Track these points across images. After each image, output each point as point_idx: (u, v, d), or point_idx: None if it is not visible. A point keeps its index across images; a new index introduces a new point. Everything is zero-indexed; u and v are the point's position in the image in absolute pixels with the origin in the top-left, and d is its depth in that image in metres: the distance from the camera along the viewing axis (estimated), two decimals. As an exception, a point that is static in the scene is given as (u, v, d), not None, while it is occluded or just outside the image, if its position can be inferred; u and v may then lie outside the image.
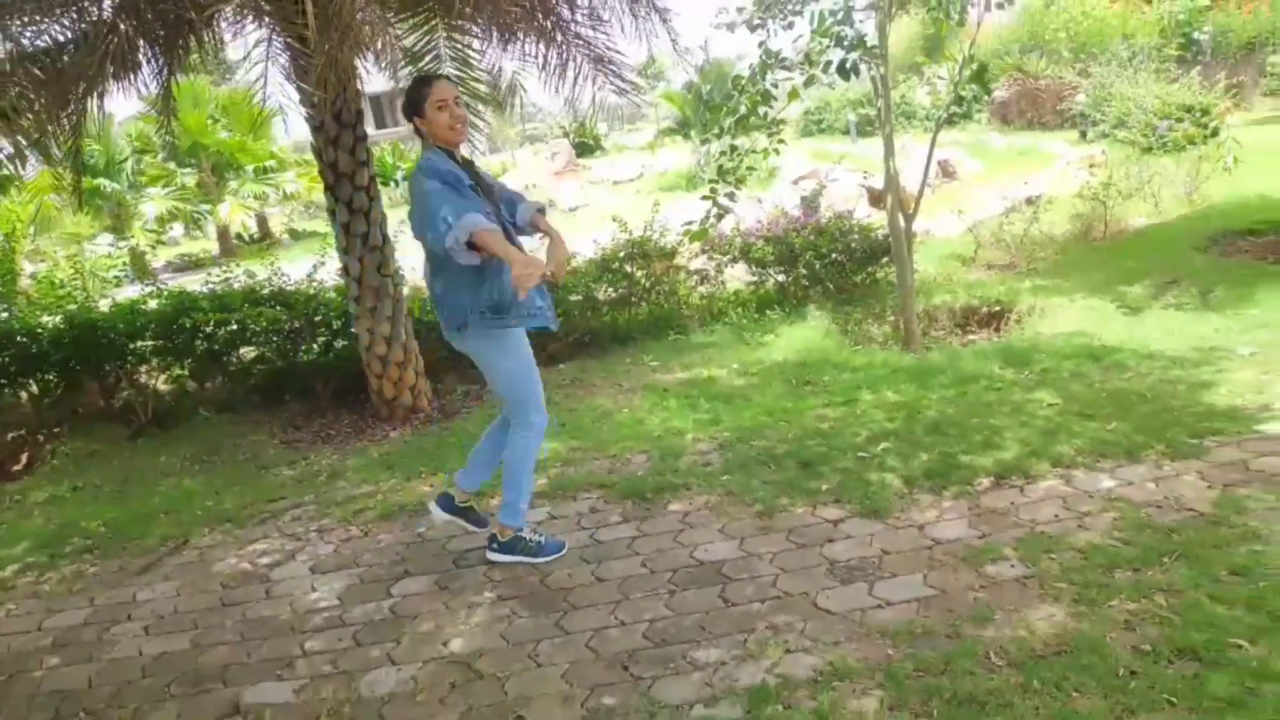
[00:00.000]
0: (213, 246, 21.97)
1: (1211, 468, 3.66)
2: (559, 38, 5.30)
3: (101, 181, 18.37)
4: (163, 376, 7.01)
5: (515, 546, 3.65)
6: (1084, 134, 17.22)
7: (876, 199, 12.17)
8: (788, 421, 4.87)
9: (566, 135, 26.21)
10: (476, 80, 6.55)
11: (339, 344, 6.78)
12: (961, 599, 2.98)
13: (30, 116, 4.86)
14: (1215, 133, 13.30)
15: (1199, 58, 20.05)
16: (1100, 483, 3.68)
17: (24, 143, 5.19)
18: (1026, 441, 4.14)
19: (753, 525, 3.73)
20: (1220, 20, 20.91)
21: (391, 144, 28.16)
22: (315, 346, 6.80)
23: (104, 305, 7.25)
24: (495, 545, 3.69)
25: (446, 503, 3.83)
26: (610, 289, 7.48)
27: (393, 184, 25.35)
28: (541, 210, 3.57)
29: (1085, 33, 21.84)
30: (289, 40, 4.58)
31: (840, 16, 6.02)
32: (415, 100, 3.29)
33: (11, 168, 5.38)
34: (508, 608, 3.34)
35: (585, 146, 26.96)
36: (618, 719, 2.61)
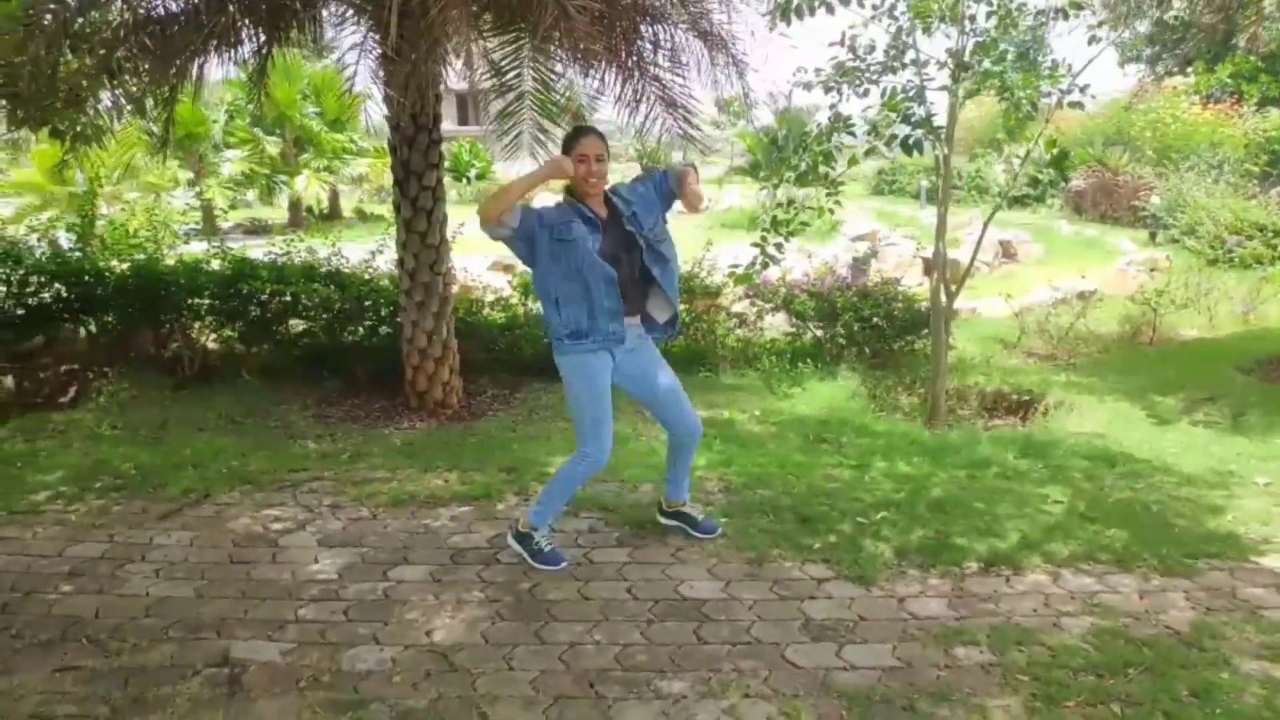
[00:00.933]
0: (283, 215, 22.64)
1: (1199, 589, 3.69)
2: (636, 75, 5.52)
3: (187, 136, 19.05)
4: (213, 335, 7.33)
5: (526, 540, 3.87)
6: (1153, 235, 17.09)
7: (931, 270, 12.21)
8: (796, 475, 4.97)
9: (641, 159, 26.57)
10: (555, 97, 6.80)
11: (383, 331, 7.05)
12: (924, 675, 3.06)
13: (134, 77, 5.19)
14: (1285, 254, 13.15)
15: (1284, 177, 19.79)
16: (1086, 586, 3.73)
17: (123, 99, 5.53)
18: (1024, 534, 4.20)
19: (741, 570, 3.85)
20: (1312, 143, 20.62)
21: (470, 141, 28.81)
22: (361, 329, 7.08)
23: (170, 259, 7.60)
24: (514, 531, 3.92)
25: (661, 509, 4.22)
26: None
27: (464, 180, 25.94)
28: (691, 168, 3.80)
29: (1171, 135, 21.69)
30: (379, 42, 4.85)
31: (912, 93, 6.16)
32: (565, 146, 3.67)
33: (107, 120, 5.72)
34: (493, 609, 3.49)
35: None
36: (574, 731, 2.74)
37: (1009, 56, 6.19)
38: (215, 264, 7.24)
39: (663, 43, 5.84)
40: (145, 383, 6.81)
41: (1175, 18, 6.41)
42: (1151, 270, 12.46)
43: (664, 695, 2.94)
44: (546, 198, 4.41)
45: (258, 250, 7.69)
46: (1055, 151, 6.27)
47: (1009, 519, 4.40)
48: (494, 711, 2.84)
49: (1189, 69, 22.50)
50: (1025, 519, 4.41)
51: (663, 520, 4.19)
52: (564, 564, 3.85)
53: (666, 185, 3.78)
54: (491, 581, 3.73)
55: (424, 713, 2.82)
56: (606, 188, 3.71)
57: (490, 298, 7.88)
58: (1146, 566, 3.88)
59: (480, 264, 12.12)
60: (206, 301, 7.04)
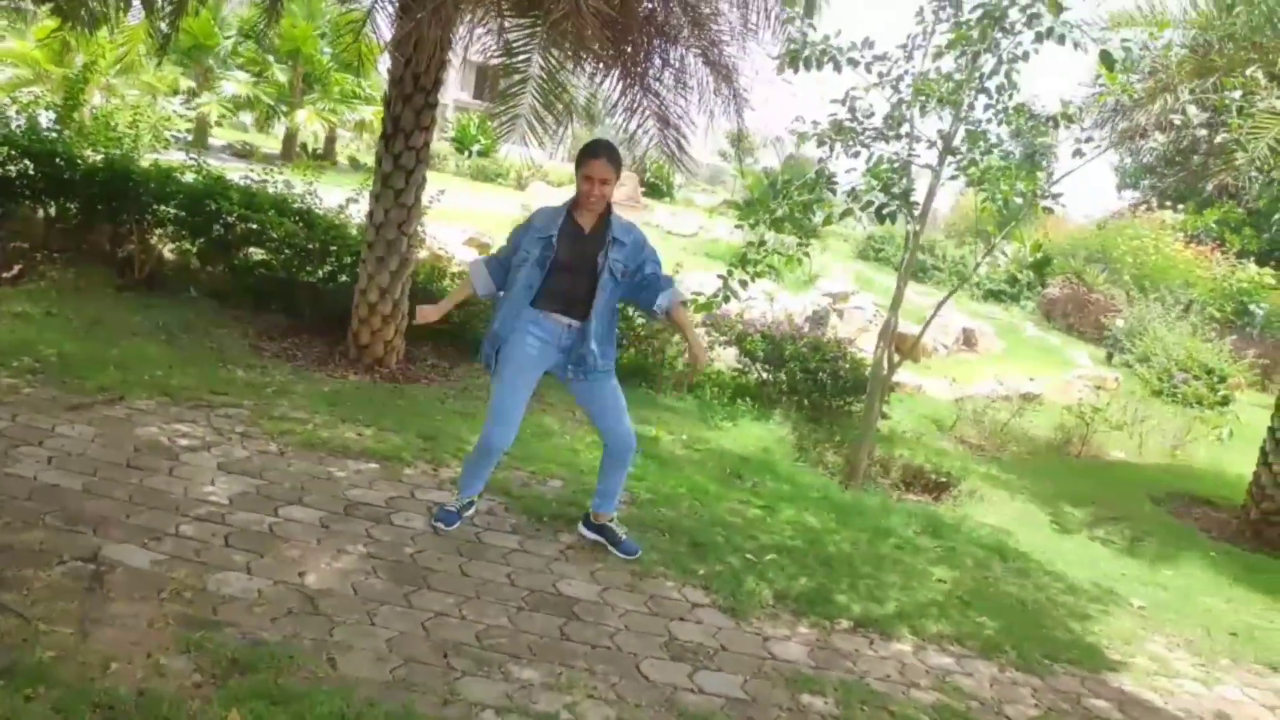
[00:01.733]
0: (276, 146, 22.44)
1: (1048, 690, 3.84)
2: (637, 87, 5.63)
3: (195, 46, 18.84)
4: (171, 245, 7.28)
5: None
6: (1110, 356, 17.55)
7: (895, 342, 12.44)
8: (703, 503, 5.07)
9: (644, 171, 26.72)
10: (558, 88, 6.88)
11: (340, 278, 7.06)
12: (766, 713, 3.16)
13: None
14: (1225, 401, 13.58)
15: (1246, 328, 20.42)
16: (944, 665, 3.86)
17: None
18: (901, 605, 4.32)
19: (622, 579, 3.93)
20: (1278, 301, 21.32)
21: (481, 116, 28.76)
22: (319, 272, 7.07)
23: (146, 161, 7.54)
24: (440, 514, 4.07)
25: (587, 521, 4.27)
26: (606, 325, 7.74)
27: (466, 153, 25.92)
28: (684, 303, 4.04)
29: (1150, 265, 22.30)
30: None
31: (896, 167, 6.34)
32: (578, 159, 3.79)
33: (114, 13, 5.70)
34: (371, 565, 3.54)
35: (655, 188, 27.47)
36: (415, 694, 2.79)
37: (994, 154, 6.40)
38: (190, 176, 7.20)
39: (671, 61, 5.96)
40: (91, 277, 6.74)
41: (1153, 150, 6.66)
42: (1098, 387, 12.81)
43: (512, 679, 3.00)
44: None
45: (237, 174, 7.66)
46: (1039, 256, 6.47)
47: (892, 588, 4.53)
48: (343, 659, 2.88)
49: (1180, 206, 23.21)
50: (907, 591, 4.54)
51: (585, 532, 4.22)
52: (450, 525, 3.98)
53: (655, 290, 3.90)
54: (378, 540, 3.77)
55: (274, 646, 2.85)
56: (615, 213, 3.87)
57: (455, 269, 7.91)
58: (1005, 659, 4.02)
59: (456, 236, 12.15)
60: (172, 211, 6.99)
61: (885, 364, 6.73)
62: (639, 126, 5.77)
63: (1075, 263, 23.16)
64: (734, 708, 3.14)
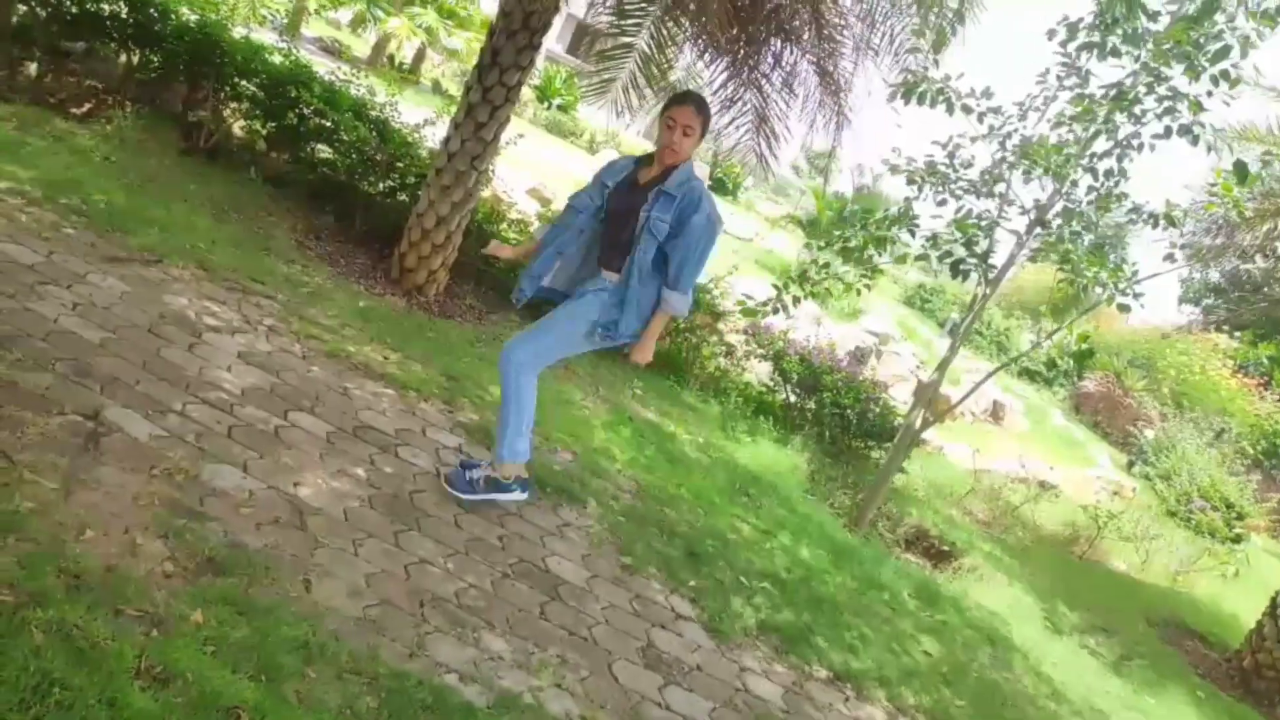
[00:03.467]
0: (365, 50, 22.33)
1: (1013, 793, 3.69)
2: (743, 78, 5.45)
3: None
4: (242, 122, 7.18)
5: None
6: (1131, 464, 17.22)
7: (918, 391, 12.22)
8: (705, 511, 4.93)
9: (714, 164, 26.45)
10: (659, 66, 6.71)
11: (400, 196, 6.93)
12: (728, 747, 3.03)
13: None
14: (1238, 539, 13.26)
15: (1274, 471, 20.01)
16: (914, 740, 3.72)
17: None
18: (882, 667, 4.18)
19: (611, 570, 3.80)
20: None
21: (569, 72, 28.56)
22: (381, 185, 6.95)
23: (238, 33, 7.43)
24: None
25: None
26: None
27: (546, 104, 25.74)
28: (671, 312, 3.57)
29: (1191, 384, 21.87)
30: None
31: (985, 225, 6.12)
32: (664, 105, 3.57)
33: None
34: (368, 493, 3.42)
35: (721, 185, 27.18)
36: (384, 639, 2.68)
37: (1082, 239, 6.17)
38: (277, 59, 7.08)
39: (783, 63, 5.77)
40: (157, 133, 6.65)
41: (1247, 274, 6.41)
42: (1115, 493, 12.54)
43: (483, 647, 2.89)
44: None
45: (322, 68, 7.54)
46: (1084, 346, 6.24)
47: (875, 647, 4.38)
48: (319, 584, 2.77)
49: (1236, 334, 22.73)
50: (890, 654, 4.40)
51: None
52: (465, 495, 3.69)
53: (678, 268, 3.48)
54: (379, 469, 3.66)
55: (253, 553, 2.75)
56: (684, 164, 3.50)
57: (514, 215, 7.77)
58: (977, 750, 3.88)
59: (521, 182, 12.01)
60: (252, 88, 6.88)
61: (918, 422, 6.54)
62: (734, 120, 5.59)
63: (1117, 362, 22.73)
64: (697, 733, 3.02)
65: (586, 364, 6.65)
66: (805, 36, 5.56)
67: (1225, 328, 19.11)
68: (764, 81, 5.57)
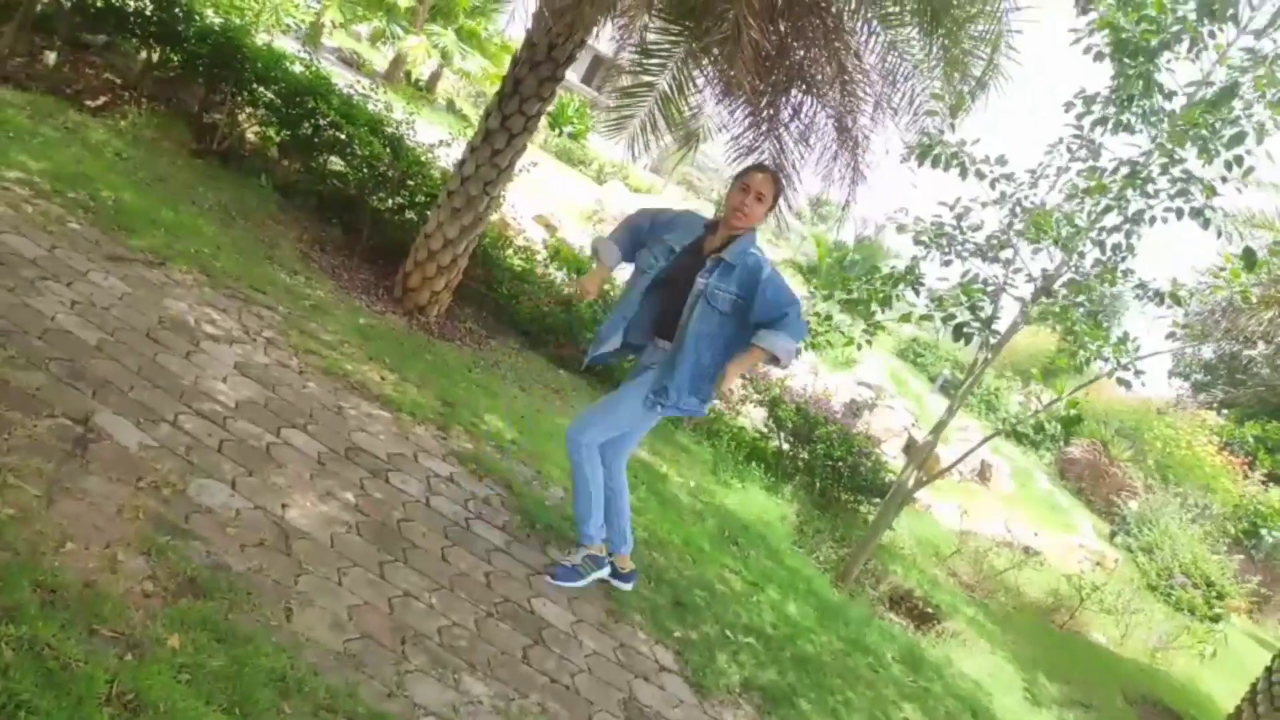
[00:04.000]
0: (383, 65, 22.46)
1: None
2: (763, 128, 5.46)
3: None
4: (256, 127, 7.15)
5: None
6: (1114, 535, 17.19)
7: (910, 448, 12.19)
8: (694, 560, 4.85)
9: (720, 204, 26.63)
10: (678, 108, 6.73)
11: (408, 214, 6.91)
12: (706, 811, 2.95)
13: None
14: (1217, 618, 13.21)
15: (1253, 551, 20.02)
16: (893, 814, 3.63)
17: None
18: (864, 732, 4.10)
19: (597, 616, 3.72)
20: (1293, 536, 20.89)
21: (582, 101, 28.81)
22: (390, 201, 6.93)
23: (261, 39, 7.44)
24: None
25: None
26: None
27: (558, 131, 25.89)
28: (773, 358, 3.42)
29: (1176, 459, 21.93)
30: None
31: (991, 291, 6.13)
32: (740, 172, 3.59)
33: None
34: (356, 520, 3.35)
35: (723, 223, 27.34)
36: (363, 676, 2.60)
37: (1081, 311, 6.17)
38: (298, 68, 7.08)
39: (803, 115, 5.79)
40: (170, 133, 6.62)
41: (1249, 361, 6.43)
42: (1097, 563, 12.48)
43: (463, 690, 2.80)
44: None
45: (341, 81, 7.54)
46: (1073, 413, 6.23)
47: (858, 712, 4.30)
48: (300, 613, 2.69)
49: (1224, 411, 22.84)
50: (870, 719, 4.32)
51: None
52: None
53: (773, 316, 3.38)
54: (369, 494, 3.58)
55: (236, 576, 2.67)
56: (747, 233, 3.48)
57: (521, 242, 7.75)
58: (955, 827, 3.79)
59: (528, 209, 12.01)
60: (270, 95, 6.87)
61: (911, 481, 6.50)
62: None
63: (1104, 430, 22.79)
64: (676, 795, 2.93)
65: (584, 397, 6.60)
66: (826, 90, 5.58)
67: (1214, 405, 19.20)
68: (783, 131, 5.58)
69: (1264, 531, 20.83)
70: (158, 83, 7.13)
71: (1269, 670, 7.20)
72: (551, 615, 3.51)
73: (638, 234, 3.70)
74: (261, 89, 6.83)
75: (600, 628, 3.65)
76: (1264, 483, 21.68)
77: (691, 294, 3.43)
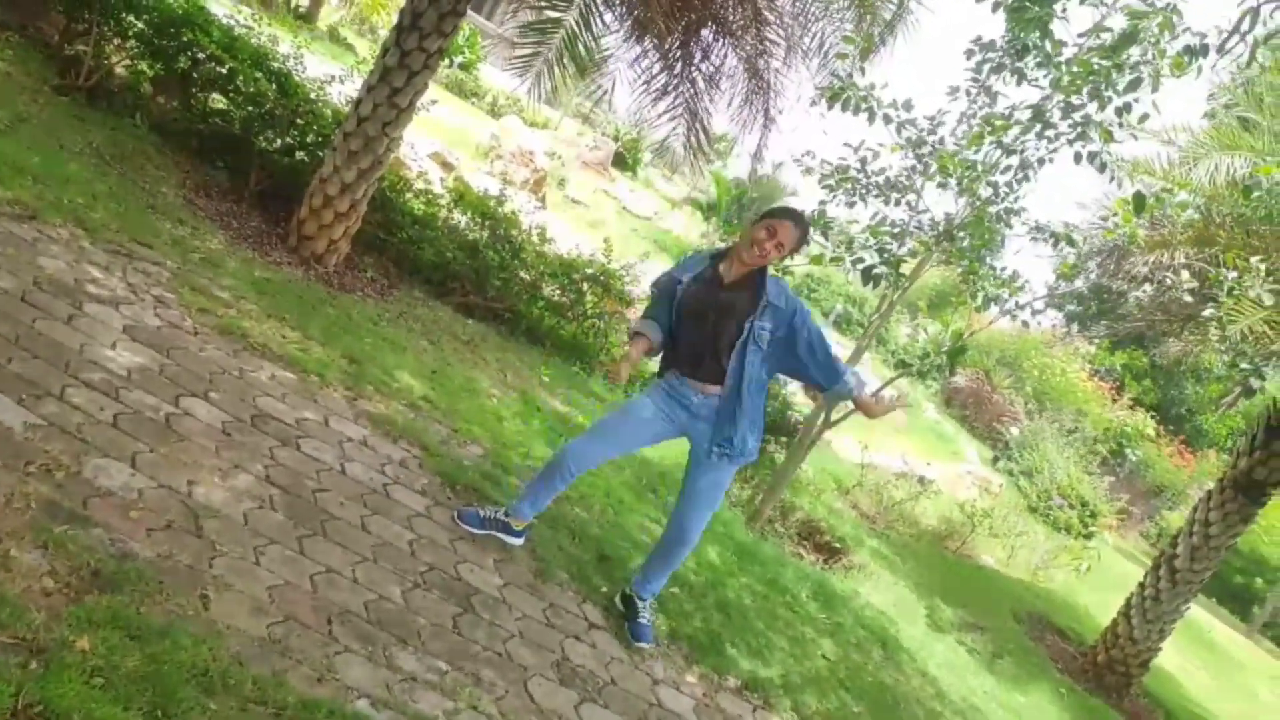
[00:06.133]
0: (256, -13, 21.00)
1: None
2: (677, 68, 5.33)
3: None
4: (126, 61, 6.57)
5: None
6: (996, 460, 18.15)
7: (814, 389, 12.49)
8: (616, 513, 4.85)
9: (616, 139, 26.23)
10: (585, 45, 6.51)
11: (299, 156, 6.52)
12: (644, 768, 2.97)
13: None
14: (1090, 535, 14.20)
15: (1118, 470, 21.52)
16: (817, 751, 3.76)
17: None
18: (786, 673, 4.21)
19: (524, 577, 3.67)
20: (1152, 452, 22.56)
21: (473, 30, 27.72)
22: (278, 142, 6.51)
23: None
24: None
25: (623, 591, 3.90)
26: (558, 290, 7.41)
27: (448, 62, 24.87)
28: (856, 395, 3.53)
29: (1051, 385, 23.24)
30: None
31: (897, 231, 6.23)
32: (765, 212, 3.45)
33: None
34: (268, 493, 3.18)
35: (621, 159, 27.00)
36: (290, 662, 2.48)
37: (967, 246, 6.34)
38: (170, -3, 6.51)
39: (714, 57, 5.68)
40: (28, 67, 6.00)
41: (1134, 301, 6.80)
42: (984, 489, 13.18)
43: (395, 666, 2.72)
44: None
45: (221, 9, 6.99)
46: (958, 344, 6.46)
47: (779, 652, 4.42)
48: (218, 599, 2.54)
49: (1094, 340, 24.27)
50: (794, 659, 4.45)
51: (618, 601, 3.84)
52: (466, 526, 3.70)
53: (834, 373, 3.47)
54: (281, 464, 3.40)
55: (144, 565, 2.49)
56: (771, 272, 3.49)
57: (420, 185, 7.44)
58: (874, 759, 3.96)
59: (423, 147, 11.54)
60: (140, 25, 6.29)
61: (820, 422, 6.63)
62: (666, 110, 5.47)
63: (987, 360, 23.90)
64: (615, 755, 2.95)
65: (494, 349, 6.45)
66: (739, 32, 5.48)
67: (1095, 339, 20.30)
68: (696, 75, 5.46)
69: (1128, 451, 22.42)
70: (8, 6, 6.44)
71: (1141, 585, 7.78)
72: (479, 580, 3.45)
73: (671, 295, 3.48)
74: (130, 18, 6.25)
75: (529, 589, 3.61)
76: (1131, 406, 23.25)
77: (743, 336, 3.37)
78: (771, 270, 3.56)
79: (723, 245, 3.59)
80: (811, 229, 6.42)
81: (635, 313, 7.84)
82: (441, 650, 2.92)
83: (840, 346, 19.64)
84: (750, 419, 3.46)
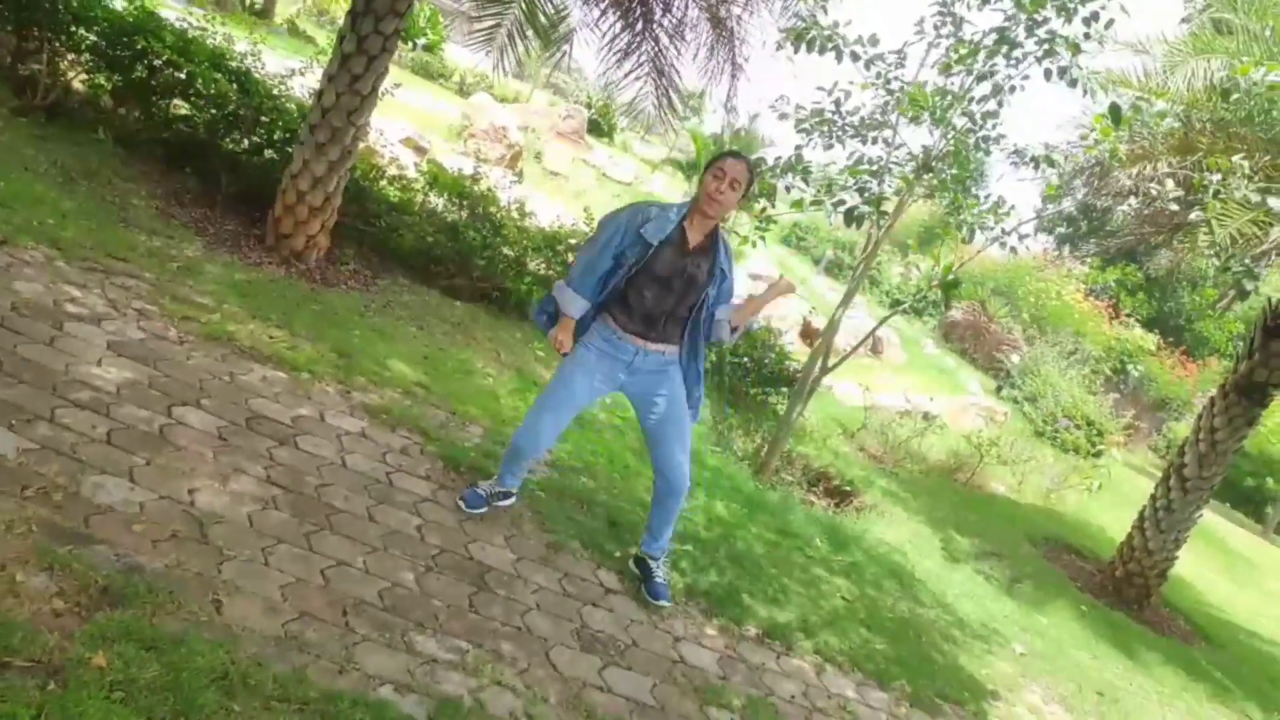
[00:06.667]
0: (208, -11, 20.66)
1: (937, 732, 3.83)
2: (639, 27, 5.25)
3: None
4: (83, 75, 6.47)
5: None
6: (1000, 389, 18.18)
7: (809, 335, 12.48)
8: (622, 478, 4.86)
9: (589, 106, 25.96)
10: (545, 13, 6.41)
11: (268, 154, 6.45)
12: (673, 724, 3.00)
13: None
14: (1099, 454, 14.24)
15: (1121, 386, 21.58)
16: (843, 689, 3.80)
17: None
18: (805, 617, 4.24)
19: (536, 550, 3.68)
20: (1154, 366, 22.60)
21: (433, 10, 27.34)
22: (245, 142, 6.43)
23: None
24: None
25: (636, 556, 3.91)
26: (544, 264, 7.36)
27: (411, 45, 24.55)
28: (737, 308, 3.62)
29: (1049, 309, 23.24)
30: None
31: (875, 169, 6.18)
32: (708, 161, 3.39)
33: None
34: (270, 493, 3.17)
35: (597, 126, 26.75)
36: (309, 657, 2.49)
37: (950, 178, 6.29)
38: (119, 3, 6.39)
39: (674, 9, 5.59)
40: (-18, 91, 5.93)
41: (1121, 216, 6.75)
42: (990, 419, 13.21)
43: (415, 651, 2.73)
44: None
45: (172, 13, 6.87)
46: (950, 278, 6.44)
47: (796, 595, 4.45)
48: (230, 603, 2.55)
49: (1088, 259, 24.20)
50: (810, 601, 4.48)
51: (631, 567, 3.86)
52: (473, 508, 3.70)
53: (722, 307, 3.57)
54: (280, 463, 3.40)
55: (153, 576, 2.49)
56: (722, 232, 3.48)
57: (393, 171, 7.36)
58: (900, 692, 3.99)
59: (394, 133, 11.42)
60: (92, 38, 6.18)
61: (817, 368, 6.63)
62: (631, 71, 5.40)
63: (982, 291, 23.86)
64: (642, 714, 2.97)
65: (484, 329, 6.42)
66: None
67: (1085, 258, 20.27)
68: (659, 31, 5.38)
69: (1130, 367, 22.47)
70: (-45, 34, 6.33)
71: (1153, 497, 7.82)
72: (491, 558, 3.45)
73: (604, 258, 3.39)
74: (81, 31, 6.15)
75: (542, 561, 3.62)
76: (1124, 319, 23.24)
77: (697, 304, 3.43)
78: (738, 233, 3.58)
79: (683, 201, 3.50)
80: (790, 175, 6.41)
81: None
82: (460, 630, 2.94)
83: (833, 292, 19.60)
84: (700, 374, 3.63)
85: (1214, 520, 13.10)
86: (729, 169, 3.30)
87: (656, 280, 3.35)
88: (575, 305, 3.43)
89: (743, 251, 15.73)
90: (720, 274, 3.45)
